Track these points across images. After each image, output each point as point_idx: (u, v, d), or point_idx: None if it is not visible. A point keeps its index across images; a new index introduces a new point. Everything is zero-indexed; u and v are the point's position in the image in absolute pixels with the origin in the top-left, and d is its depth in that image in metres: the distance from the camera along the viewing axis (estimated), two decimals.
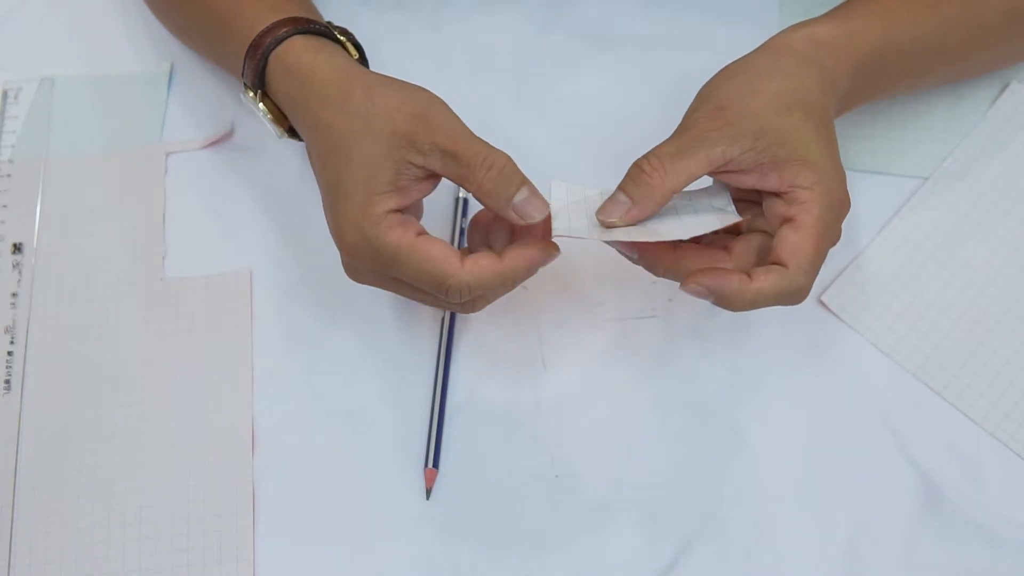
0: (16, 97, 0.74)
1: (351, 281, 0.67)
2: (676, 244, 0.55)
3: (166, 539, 0.61)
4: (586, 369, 0.65)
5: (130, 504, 0.62)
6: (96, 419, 0.64)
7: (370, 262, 0.55)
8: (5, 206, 0.70)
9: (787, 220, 0.53)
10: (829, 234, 0.53)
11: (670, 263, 0.55)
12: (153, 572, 0.60)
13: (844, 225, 0.68)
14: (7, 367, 0.66)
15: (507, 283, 0.54)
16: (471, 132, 0.54)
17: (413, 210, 0.57)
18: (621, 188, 0.54)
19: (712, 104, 0.54)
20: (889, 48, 0.59)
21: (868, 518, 0.61)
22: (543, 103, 0.73)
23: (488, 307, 0.66)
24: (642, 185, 0.53)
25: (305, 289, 0.67)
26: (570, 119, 0.72)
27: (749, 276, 0.52)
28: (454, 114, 0.55)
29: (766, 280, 0.51)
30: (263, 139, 0.72)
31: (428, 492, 0.62)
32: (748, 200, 0.56)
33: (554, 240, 0.54)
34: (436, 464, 0.62)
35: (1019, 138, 0.69)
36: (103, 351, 0.66)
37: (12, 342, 0.66)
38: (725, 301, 0.52)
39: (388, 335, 0.66)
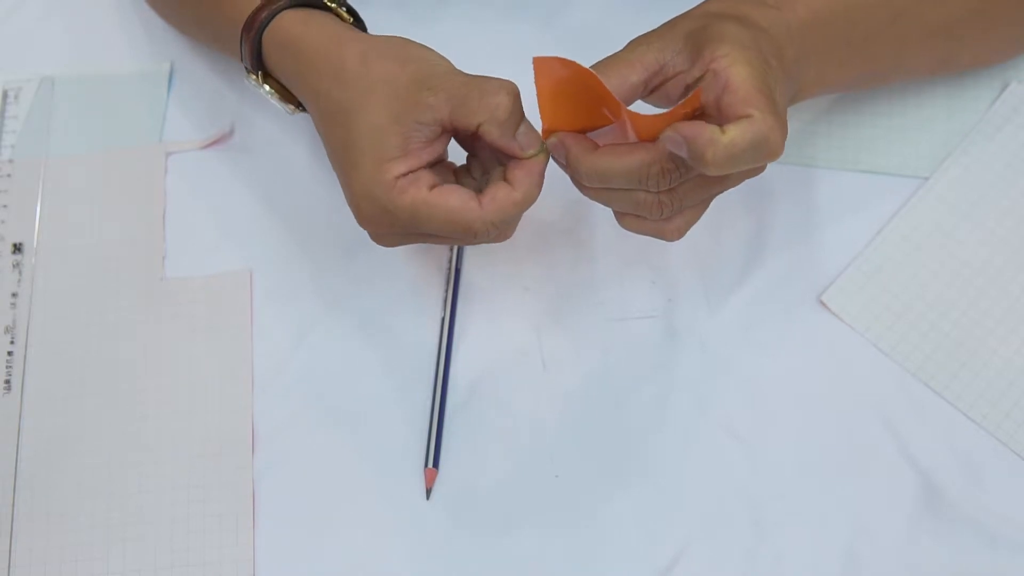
0: (16, 97, 0.74)
1: (350, 281, 0.67)
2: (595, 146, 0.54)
3: (166, 539, 0.61)
4: (586, 369, 0.65)
5: (130, 504, 0.62)
6: (96, 419, 0.64)
7: (390, 227, 0.56)
8: (5, 206, 0.70)
9: (723, 90, 0.51)
10: (767, 85, 0.52)
11: (589, 164, 0.54)
12: (153, 572, 0.60)
13: (844, 225, 0.68)
14: (7, 367, 0.66)
15: (527, 204, 0.55)
16: (471, 75, 0.55)
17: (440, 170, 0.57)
18: None
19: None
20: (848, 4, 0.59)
21: (868, 518, 0.61)
22: None
23: (488, 307, 0.66)
24: None
25: (305, 289, 0.67)
26: None
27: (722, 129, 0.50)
28: (450, 63, 0.56)
29: (736, 128, 0.50)
30: (263, 139, 0.72)
31: (428, 492, 0.62)
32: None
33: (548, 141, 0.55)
34: (436, 464, 0.62)
35: (1019, 138, 0.69)
36: (103, 351, 0.66)
37: (12, 342, 0.66)
38: (698, 150, 0.50)
39: (388, 335, 0.66)
